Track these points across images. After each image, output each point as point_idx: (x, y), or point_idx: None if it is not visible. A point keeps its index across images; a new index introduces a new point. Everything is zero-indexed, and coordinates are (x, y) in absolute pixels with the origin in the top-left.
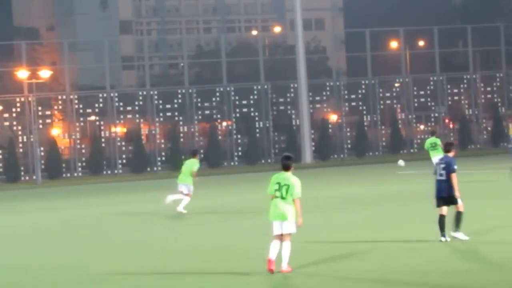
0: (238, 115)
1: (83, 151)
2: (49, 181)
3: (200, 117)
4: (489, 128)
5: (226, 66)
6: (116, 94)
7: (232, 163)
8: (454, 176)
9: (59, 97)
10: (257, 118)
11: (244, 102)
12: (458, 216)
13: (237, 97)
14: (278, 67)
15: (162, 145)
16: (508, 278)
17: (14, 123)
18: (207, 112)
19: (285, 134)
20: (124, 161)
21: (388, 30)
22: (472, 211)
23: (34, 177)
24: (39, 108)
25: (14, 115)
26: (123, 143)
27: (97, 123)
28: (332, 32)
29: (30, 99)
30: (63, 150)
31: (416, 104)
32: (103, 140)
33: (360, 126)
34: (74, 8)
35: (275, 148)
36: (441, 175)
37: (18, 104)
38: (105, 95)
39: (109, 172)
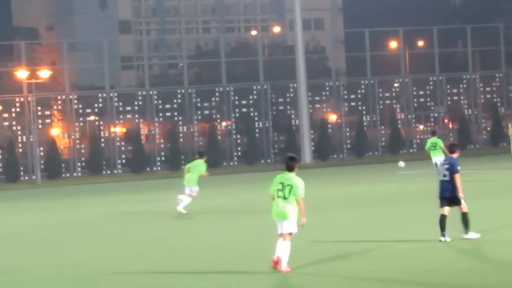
0: (237, 115)
1: (83, 151)
2: (48, 181)
3: (199, 117)
4: (488, 128)
5: (225, 66)
6: (116, 94)
7: (231, 163)
8: (457, 177)
9: (59, 97)
10: (256, 118)
11: (244, 102)
12: (464, 217)
13: (236, 97)
14: (278, 67)
15: (162, 145)
16: (508, 278)
17: (14, 123)
18: (206, 112)
19: (285, 134)
20: (124, 161)
21: (388, 30)
22: (472, 211)
23: (34, 177)
24: (39, 108)
25: (13, 115)
26: (123, 143)
27: (97, 123)
28: (331, 32)
29: (29, 99)
30: (62, 150)
31: (415, 104)
32: (102, 140)
33: (359, 126)
34: (74, 8)
35: (275, 148)
36: (444, 175)
37: (17, 104)
38: (104, 95)
39: (108, 172)
